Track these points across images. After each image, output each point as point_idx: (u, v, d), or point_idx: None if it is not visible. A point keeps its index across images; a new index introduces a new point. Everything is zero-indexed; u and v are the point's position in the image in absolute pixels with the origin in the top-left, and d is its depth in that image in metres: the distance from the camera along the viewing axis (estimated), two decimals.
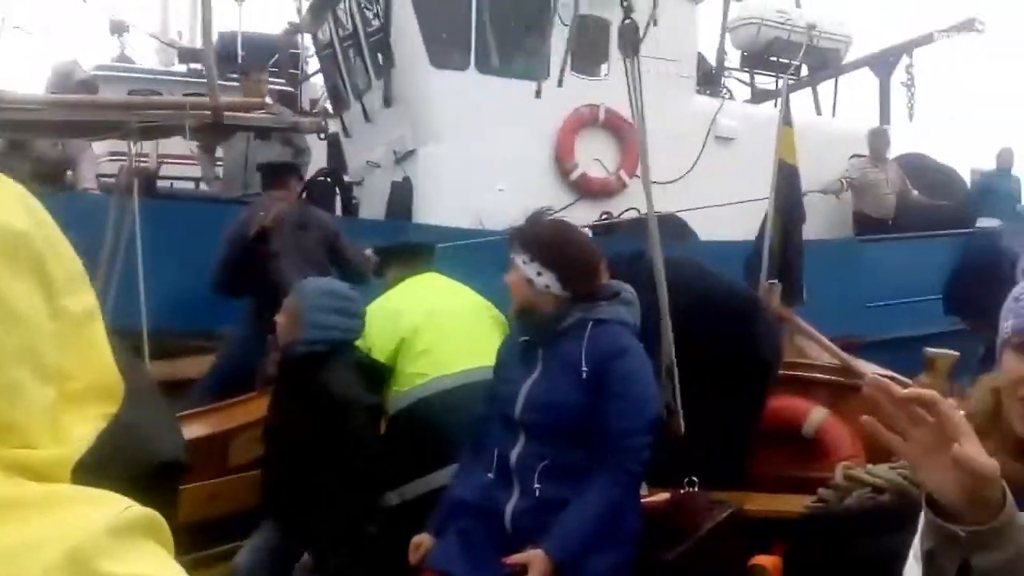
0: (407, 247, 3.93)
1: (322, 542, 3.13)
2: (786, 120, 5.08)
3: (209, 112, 4.82)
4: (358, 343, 3.36)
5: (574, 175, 8.16)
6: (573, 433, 2.59)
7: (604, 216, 8.11)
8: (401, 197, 7.64)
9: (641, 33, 4.16)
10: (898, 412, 1.15)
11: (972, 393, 1.66)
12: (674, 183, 7.66)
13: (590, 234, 5.09)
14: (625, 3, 3.71)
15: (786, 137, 4.99)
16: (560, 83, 8.13)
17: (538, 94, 8.01)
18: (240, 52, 10.18)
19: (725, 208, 7.57)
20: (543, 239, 2.74)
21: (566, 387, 2.61)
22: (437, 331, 3.44)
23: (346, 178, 8.76)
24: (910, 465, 1.21)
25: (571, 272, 2.70)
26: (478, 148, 7.73)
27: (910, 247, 8.98)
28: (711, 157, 8.50)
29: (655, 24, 7.75)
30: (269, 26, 13.03)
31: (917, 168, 9.84)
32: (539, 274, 2.68)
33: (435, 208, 7.45)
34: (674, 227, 7.19)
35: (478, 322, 3.54)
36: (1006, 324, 1.54)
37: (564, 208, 6.92)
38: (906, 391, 1.14)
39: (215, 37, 7.08)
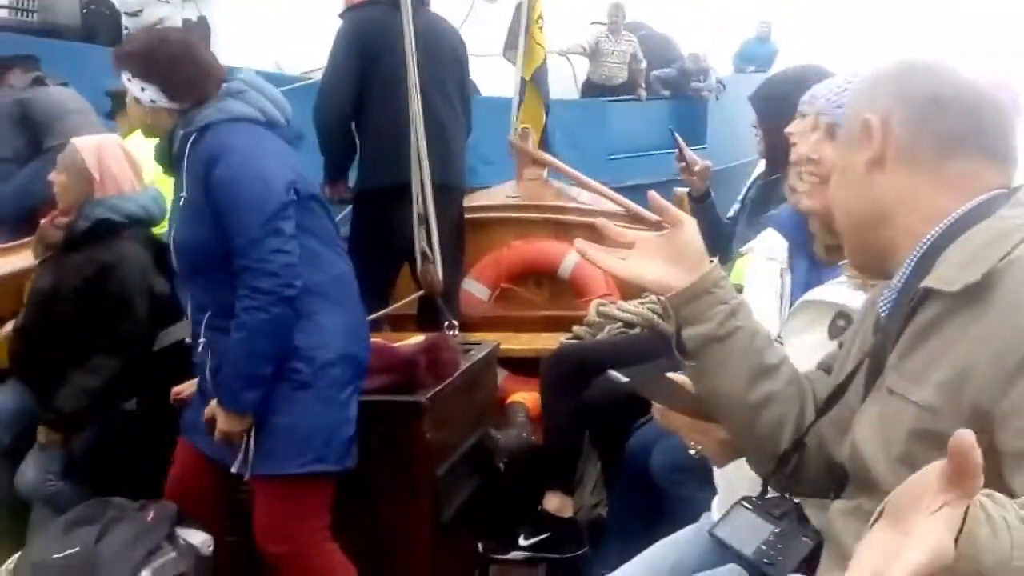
0: None
1: (72, 417, 2.82)
2: None
3: None
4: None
5: None
6: (216, 271, 2.22)
7: None
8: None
9: None
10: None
11: None
12: None
13: None
14: None
15: None
16: None
17: None
18: None
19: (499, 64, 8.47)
20: (136, 50, 2.34)
21: (189, 221, 2.26)
22: None
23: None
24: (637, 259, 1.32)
25: (174, 79, 2.28)
26: None
27: (643, 108, 10.62)
28: (480, 15, 9.30)
29: None
30: None
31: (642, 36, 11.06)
32: (143, 89, 2.30)
33: (233, 51, 7.02)
34: None
35: None
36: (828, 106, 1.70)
37: None
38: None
39: None
